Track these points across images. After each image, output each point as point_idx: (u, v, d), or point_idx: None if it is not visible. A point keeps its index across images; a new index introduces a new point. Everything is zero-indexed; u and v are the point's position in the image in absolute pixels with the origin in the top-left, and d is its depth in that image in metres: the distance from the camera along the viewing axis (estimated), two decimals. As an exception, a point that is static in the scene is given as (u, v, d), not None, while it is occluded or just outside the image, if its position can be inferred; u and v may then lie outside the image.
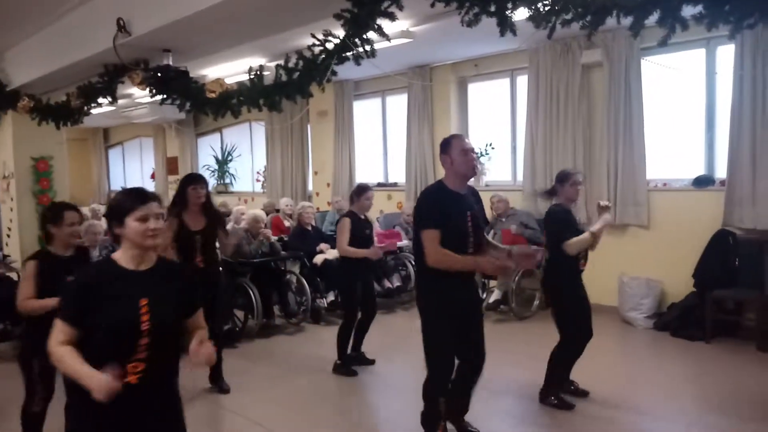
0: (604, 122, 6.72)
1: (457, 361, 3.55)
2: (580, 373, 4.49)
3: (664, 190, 6.56)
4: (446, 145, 3.48)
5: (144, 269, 2.24)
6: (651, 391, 4.60)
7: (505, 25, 3.36)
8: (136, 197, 2.22)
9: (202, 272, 4.58)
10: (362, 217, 5.27)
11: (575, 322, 4.27)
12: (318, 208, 8.90)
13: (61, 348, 2.12)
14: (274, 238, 6.98)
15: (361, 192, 5.25)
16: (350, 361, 5.25)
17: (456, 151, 3.40)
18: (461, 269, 3.38)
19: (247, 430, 4.22)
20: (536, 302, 6.93)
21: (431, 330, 3.46)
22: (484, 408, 4.14)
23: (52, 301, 3.25)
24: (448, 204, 3.37)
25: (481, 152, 8.15)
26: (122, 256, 2.24)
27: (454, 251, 3.31)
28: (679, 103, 6.61)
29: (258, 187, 12.31)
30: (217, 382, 4.83)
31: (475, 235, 3.43)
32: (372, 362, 5.34)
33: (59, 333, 2.15)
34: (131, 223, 2.19)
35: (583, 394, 4.47)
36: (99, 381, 2.00)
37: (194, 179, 4.70)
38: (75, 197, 9.27)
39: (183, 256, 4.52)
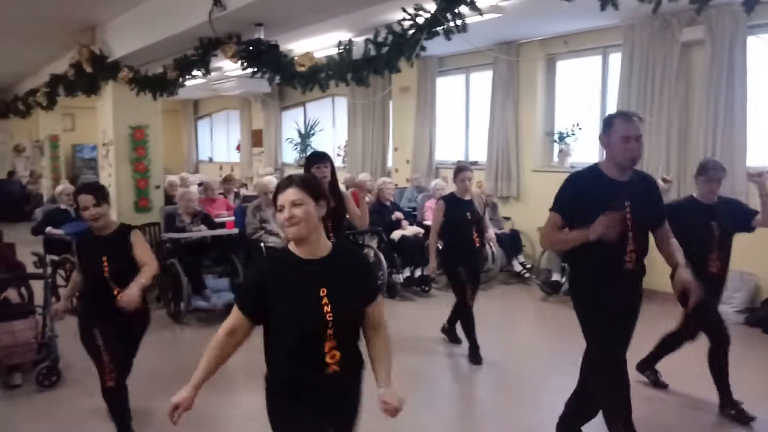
0: (703, 104, 6.36)
1: None
2: (660, 366, 4.35)
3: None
4: (608, 124, 3.00)
5: (319, 258, 2.11)
6: (739, 389, 4.37)
7: (608, -1, 3.20)
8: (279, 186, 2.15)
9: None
10: (467, 198, 5.10)
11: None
12: (396, 185, 8.94)
13: (219, 338, 2.10)
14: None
15: (456, 173, 5.11)
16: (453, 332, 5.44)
17: (616, 135, 2.92)
18: (575, 244, 2.94)
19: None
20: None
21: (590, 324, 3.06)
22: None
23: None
24: (591, 190, 2.95)
25: (566, 133, 7.93)
26: (294, 249, 2.13)
27: (609, 249, 2.85)
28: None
29: (338, 162, 12.47)
30: None
31: (636, 230, 2.92)
32: (459, 342, 5.38)
33: (230, 317, 2.11)
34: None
35: (663, 386, 4.34)
36: (179, 396, 2.06)
37: (317, 158, 4.37)
38: (167, 166, 9.71)
39: None
